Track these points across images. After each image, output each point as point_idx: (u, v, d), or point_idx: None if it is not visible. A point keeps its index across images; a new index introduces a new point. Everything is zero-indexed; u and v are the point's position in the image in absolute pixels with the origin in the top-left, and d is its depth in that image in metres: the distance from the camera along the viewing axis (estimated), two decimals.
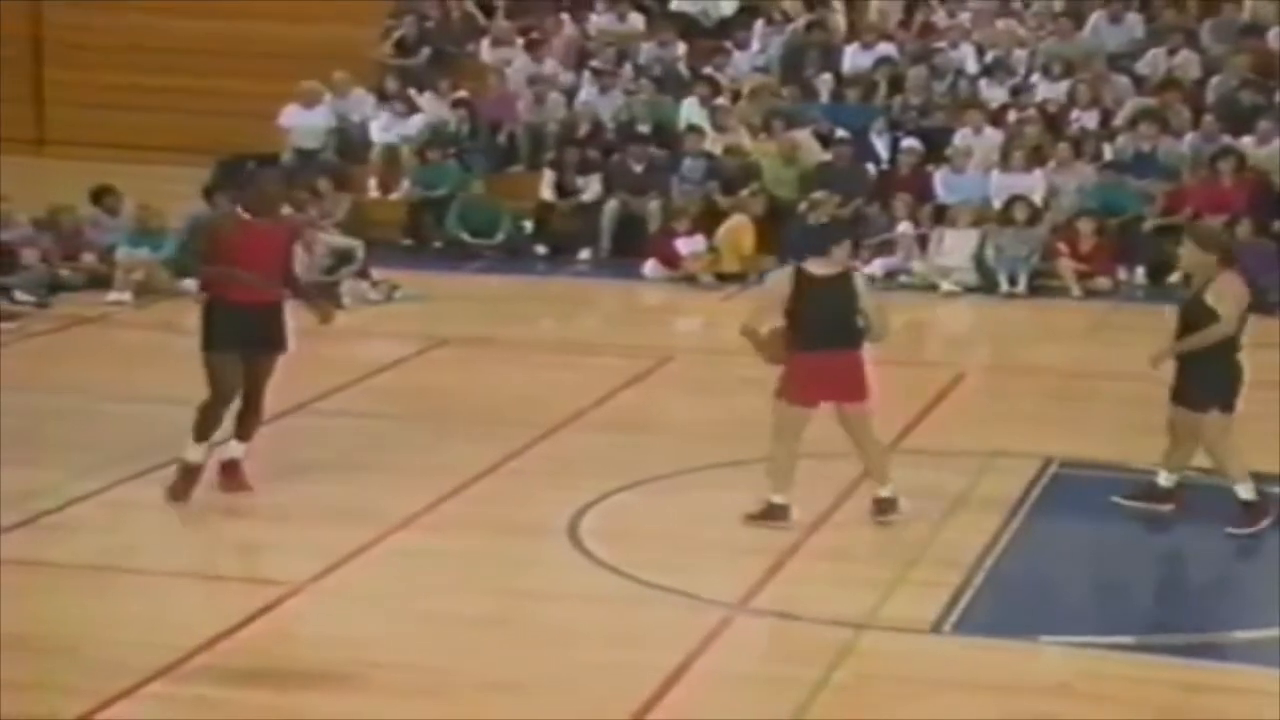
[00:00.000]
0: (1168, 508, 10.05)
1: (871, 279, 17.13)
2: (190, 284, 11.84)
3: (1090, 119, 19.00)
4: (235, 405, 10.18)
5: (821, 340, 9.57)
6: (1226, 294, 9.69)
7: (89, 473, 10.53)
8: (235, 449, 10.29)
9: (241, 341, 10.04)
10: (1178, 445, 10.02)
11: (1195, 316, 9.78)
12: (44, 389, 12.83)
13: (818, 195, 17.89)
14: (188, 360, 10.11)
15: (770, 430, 9.73)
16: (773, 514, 9.68)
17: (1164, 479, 10.09)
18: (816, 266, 9.67)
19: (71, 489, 10.29)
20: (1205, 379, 9.75)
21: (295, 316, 10.60)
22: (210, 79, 21.36)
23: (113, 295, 15.93)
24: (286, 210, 14.43)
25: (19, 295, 15.50)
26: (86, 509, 10.10)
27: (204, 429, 10.09)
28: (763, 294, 10.15)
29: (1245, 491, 9.78)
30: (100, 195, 17.24)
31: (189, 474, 10.11)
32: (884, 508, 9.85)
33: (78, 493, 10.26)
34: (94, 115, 21.89)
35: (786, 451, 9.70)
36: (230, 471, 10.27)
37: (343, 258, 16.69)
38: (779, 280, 9.87)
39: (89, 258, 16.50)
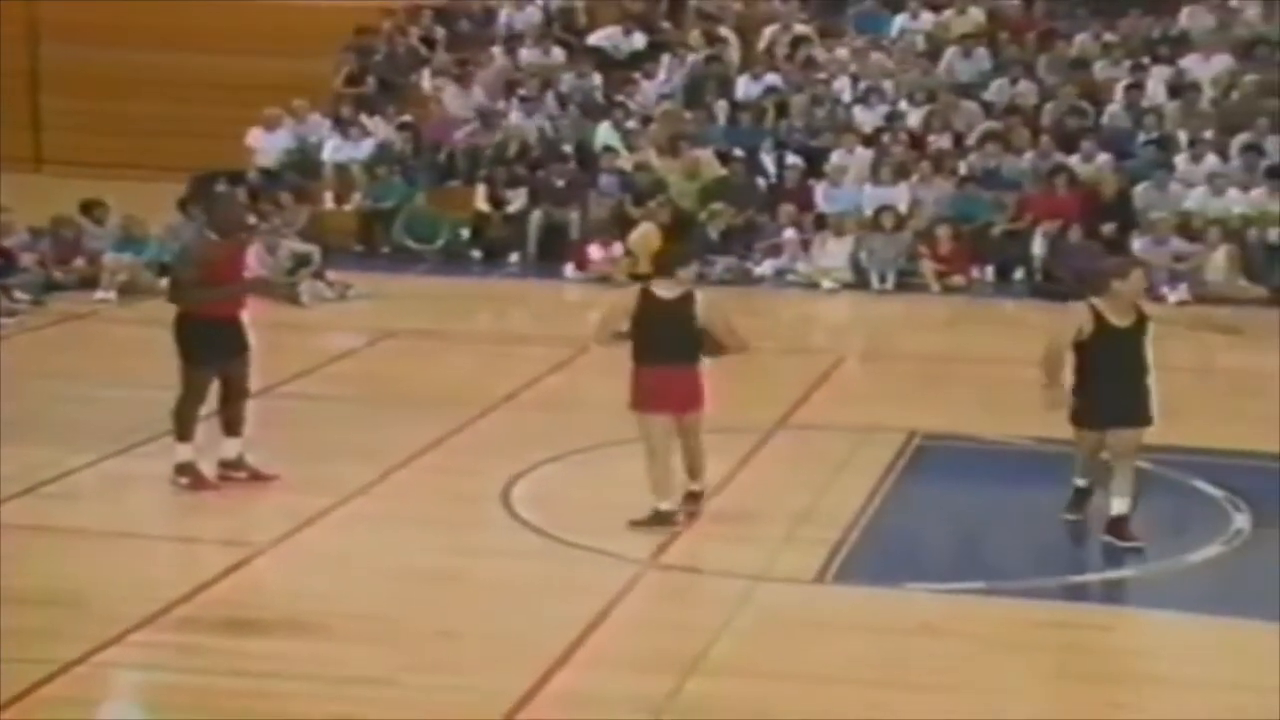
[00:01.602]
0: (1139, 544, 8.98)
1: (762, 278, 17.37)
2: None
3: (946, 140, 19.10)
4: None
5: (661, 356, 9.11)
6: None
7: (82, 449, 10.38)
8: (232, 446, 9.97)
9: (219, 355, 9.86)
10: (1108, 467, 9.16)
11: (1142, 340, 9.01)
12: (40, 376, 12.64)
13: (716, 206, 17.92)
14: (167, 352, 9.97)
15: (642, 443, 9.21)
16: (660, 519, 9.16)
17: (1119, 505, 9.06)
18: (662, 289, 9.21)
19: (67, 463, 10.14)
20: (1148, 395, 9.05)
21: (259, 313, 10.50)
22: (186, 106, 21.13)
23: (100, 294, 15.71)
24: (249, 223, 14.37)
25: (17, 294, 15.27)
26: (80, 480, 9.97)
27: (184, 430, 9.80)
28: (609, 307, 9.66)
29: (1121, 506, 9.04)
30: (89, 207, 17.00)
31: (190, 469, 9.84)
32: (696, 499, 9.42)
33: (72, 466, 10.12)
34: (85, 138, 21.63)
35: (660, 462, 9.16)
36: (235, 466, 9.95)
37: (302, 261, 16.54)
38: (625, 296, 9.46)
39: (80, 261, 16.30)
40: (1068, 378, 9.17)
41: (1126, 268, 9.34)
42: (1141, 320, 9.05)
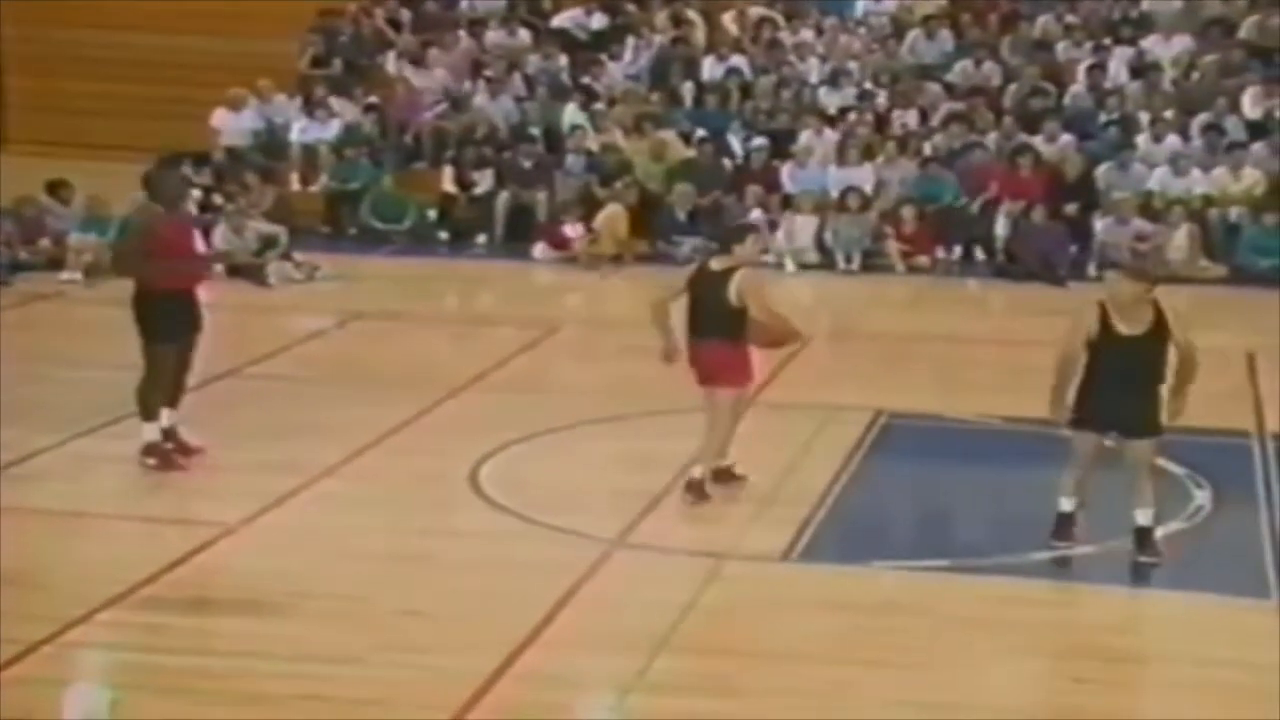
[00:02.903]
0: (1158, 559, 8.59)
1: None
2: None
3: (911, 120, 19.12)
4: None
5: (695, 329, 9.24)
6: (1183, 318, 8.45)
7: (47, 429, 10.29)
8: (166, 416, 9.87)
9: (179, 329, 9.80)
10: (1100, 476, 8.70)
11: (1154, 350, 8.41)
12: (5, 358, 12.51)
13: (681, 187, 17.89)
14: (133, 332, 9.90)
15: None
16: (727, 476, 9.37)
17: (1142, 517, 8.56)
18: (716, 262, 9.28)
19: (31, 443, 10.05)
20: (1158, 403, 8.51)
21: (227, 294, 10.45)
22: (151, 86, 20.93)
23: (65, 275, 15.58)
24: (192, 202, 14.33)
25: None
26: (45, 461, 9.88)
27: (149, 410, 9.77)
28: (669, 282, 9.63)
29: (1144, 518, 8.58)
30: (54, 187, 16.87)
31: (156, 448, 9.79)
32: (697, 487, 9.28)
33: (37, 446, 10.03)
34: (50, 118, 21.42)
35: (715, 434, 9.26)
36: (165, 436, 9.87)
37: (269, 242, 16.43)
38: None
39: (45, 242, 16.16)
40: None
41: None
42: (1159, 326, 8.38)
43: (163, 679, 6.88)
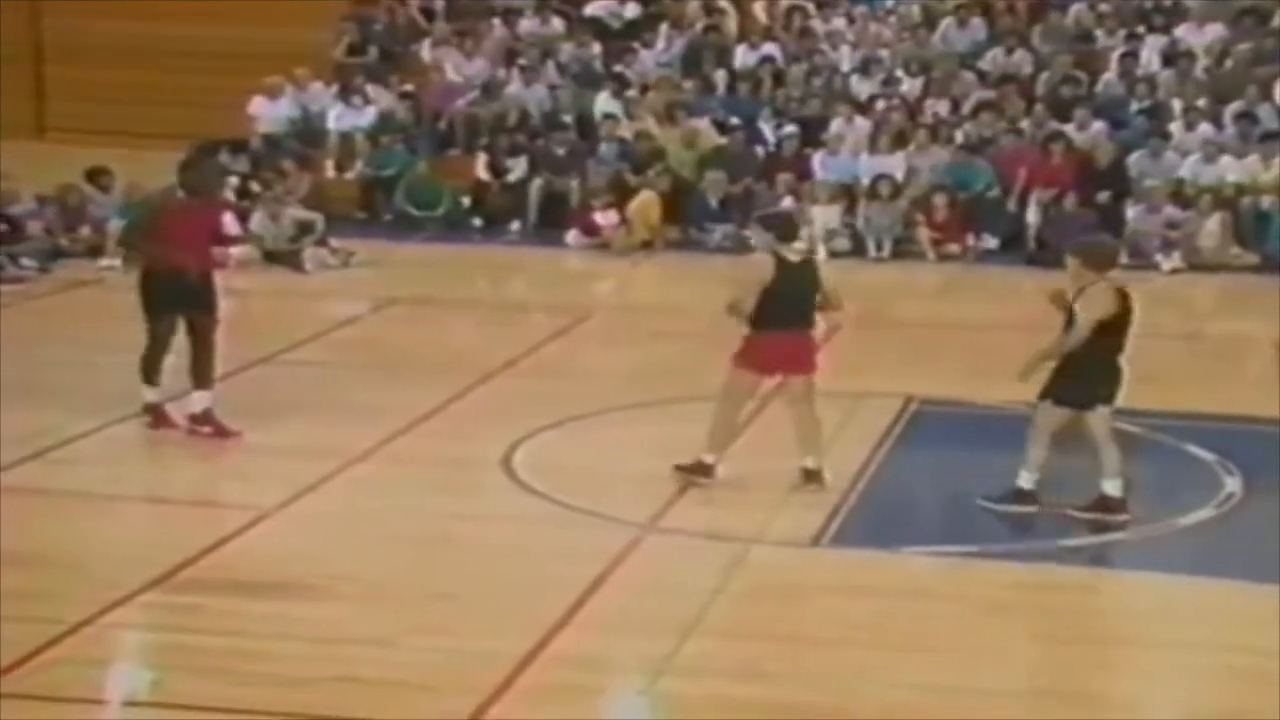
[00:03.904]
0: (1032, 509, 8.98)
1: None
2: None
3: (942, 108, 19.05)
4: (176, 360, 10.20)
5: (792, 320, 9.18)
6: (1091, 303, 8.78)
7: (86, 414, 10.37)
8: (200, 400, 10.11)
9: (175, 304, 10.05)
10: (1042, 446, 8.99)
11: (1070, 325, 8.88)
12: (45, 342, 12.63)
13: (713, 174, 17.87)
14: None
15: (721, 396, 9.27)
16: (699, 470, 9.24)
17: (1025, 480, 9.02)
18: (791, 254, 9.21)
19: (71, 428, 10.13)
20: (1091, 378, 8.82)
21: (263, 279, 10.55)
22: (188, 75, 21.04)
23: (104, 262, 15.66)
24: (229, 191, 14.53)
25: (24, 262, 15.24)
26: (85, 445, 9.96)
27: (148, 375, 10.19)
28: (747, 276, 9.39)
29: (1112, 487, 8.91)
30: (94, 175, 16.97)
31: (154, 409, 10.20)
32: (815, 477, 9.31)
33: (77, 431, 10.11)
34: (89, 107, 21.56)
35: (729, 419, 9.26)
36: (202, 420, 10.07)
37: (305, 229, 16.50)
38: (760, 267, 9.24)
39: (85, 229, 16.26)
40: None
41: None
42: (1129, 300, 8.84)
43: (200, 660, 6.93)
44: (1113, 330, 8.78)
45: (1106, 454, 8.90)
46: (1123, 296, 8.85)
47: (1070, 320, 8.83)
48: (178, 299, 10.02)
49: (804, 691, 6.80)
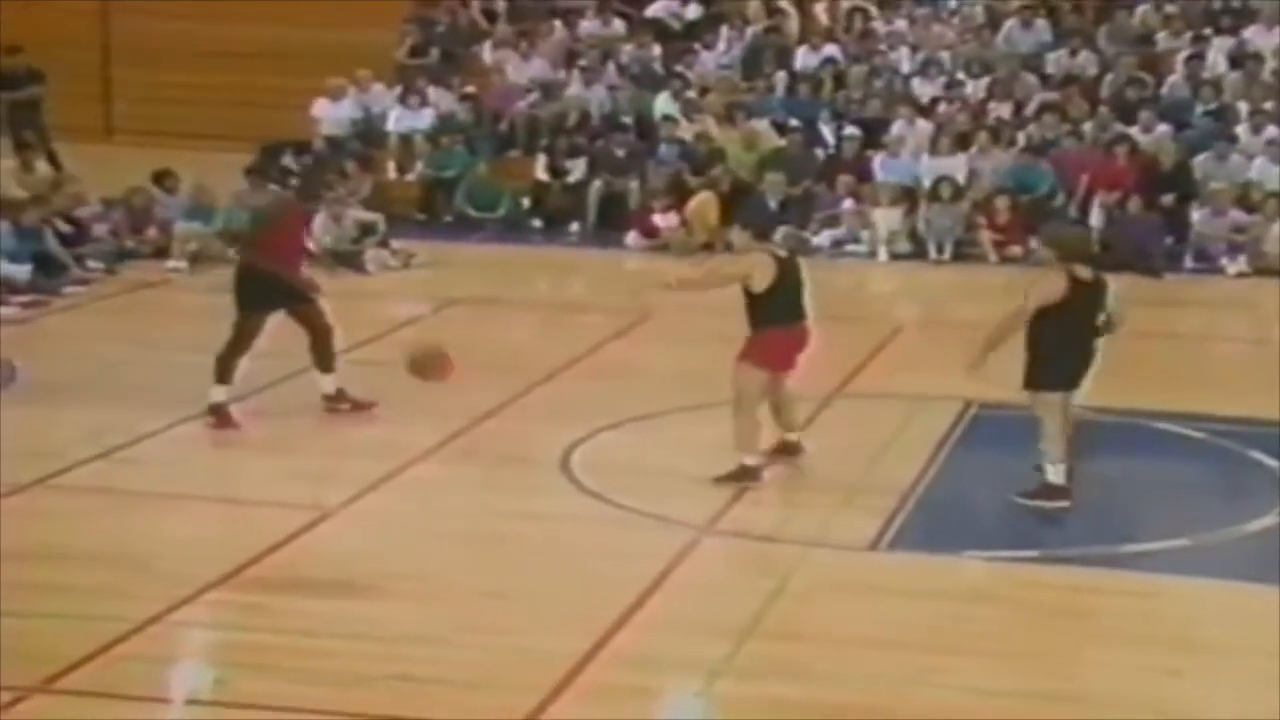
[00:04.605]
0: (1065, 503, 9.09)
1: (819, 248, 17.29)
2: None
3: (1005, 110, 18.96)
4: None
5: (799, 315, 9.45)
6: (1035, 289, 9.05)
7: (154, 413, 10.51)
8: (328, 382, 10.61)
9: (272, 301, 10.26)
10: (1057, 435, 9.10)
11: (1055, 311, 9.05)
12: (112, 342, 12.81)
13: (773, 176, 17.88)
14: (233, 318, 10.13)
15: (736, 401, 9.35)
16: (746, 474, 9.30)
17: (1054, 475, 9.13)
18: (784, 252, 9.56)
19: (140, 427, 10.28)
20: (1049, 363, 9.01)
21: (326, 281, 10.77)
22: (252, 76, 21.27)
23: (171, 263, 15.85)
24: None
25: (90, 264, 15.43)
26: (153, 444, 10.10)
27: (223, 372, 10.37)
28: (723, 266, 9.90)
29: (1055, 475, 9.09)
30: (161, 177, 17.14)
31: (219, 409, 10.35)
32: (796, 449, 9.81)
33: (145, 430, 10.26)
34: (155, 109, 21.82)
35: (753, 418, 9.36)
36: (337, 399, 10.57)
37: (366, 230, 16.62)
38: (758, 262, 9.36)
39: (152, 231, 16.45)
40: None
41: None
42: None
43: (262, 658, 7.04)
44: (1068, 315, 8.93)
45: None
46: (1080, 284, 8.97)
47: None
48: (275, 296, 10.32)
49: (857, 694, 6.82)
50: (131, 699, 6.70)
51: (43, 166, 17.69)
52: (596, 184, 18.49)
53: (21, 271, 14.44)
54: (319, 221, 16.55)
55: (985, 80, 19.37)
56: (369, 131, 19.83)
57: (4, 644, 6.90)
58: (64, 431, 10.11)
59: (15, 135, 18.53)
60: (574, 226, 18.39)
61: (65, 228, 15.49)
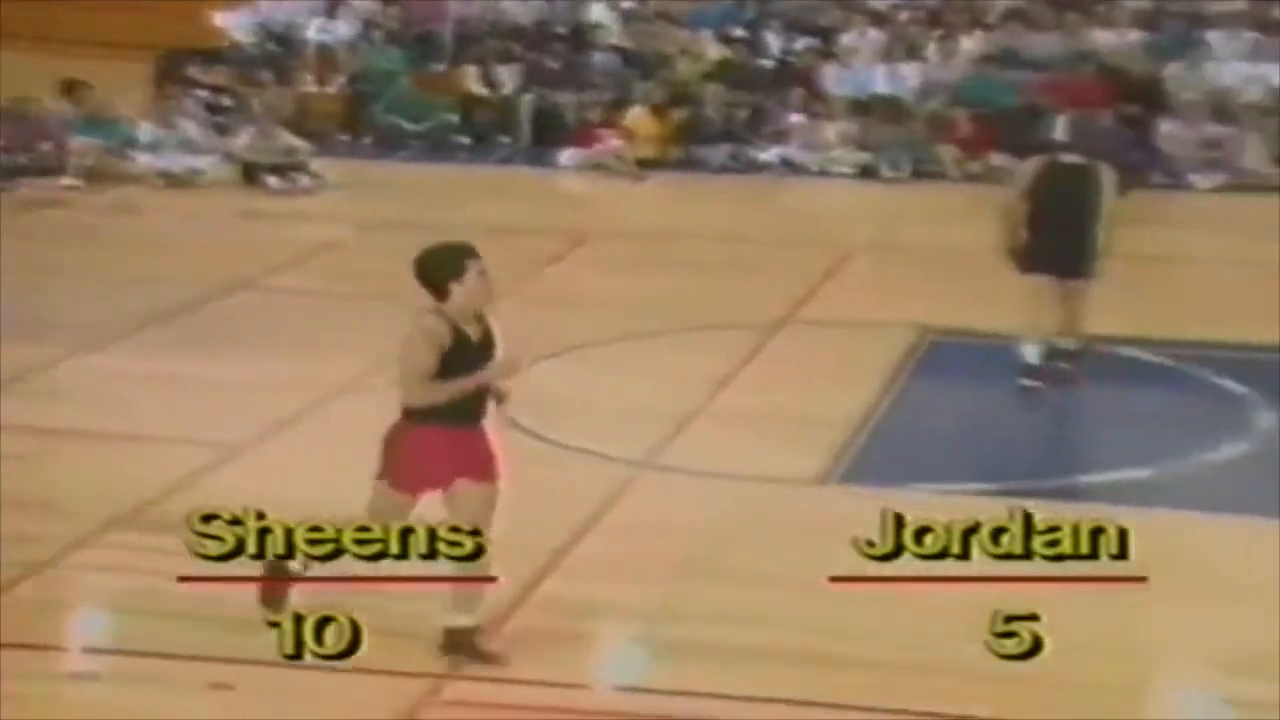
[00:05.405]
0: (1035, 383, 9.94)
1: (767, 165, 17.23)
2: None
3: (965, 19, 18.93)
4: None
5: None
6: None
7: (57, 344, 10.37)
8: None
9: None
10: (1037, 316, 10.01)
11: None
12: (9, 271, 12.61)
13: (714, 88, 17.76)
14: (142, 242, 9.99)
15: None
16: None
17: (1029, 354, 10.03)
18: None
19: (42, 359, 10.12)
20: (1031, 247, 9.97)
21: (241, 199, 10.58)
22: None
23: (66, 180, 15.62)
24: None
25: None
26: (57, 376, 9.95)
27: None
28: None
29: (1030, 355, 9.95)
30: (71, 87, 16.79)
31: None
32: None
33: (49, 362, 10.10)
34: (49, 11, 21.41)
35: None
36: None
37: (290, 154, 16.39)
38: None
39: (46, 145, 16.15)
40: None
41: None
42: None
43: (163, 603, 6.98)
44: (1050, 197, 9.64)
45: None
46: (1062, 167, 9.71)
47: None
48: None
49: (806, 636, 6.84)
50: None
51: None
52: (529, 97, 18.33)
53: None
54: (246, 135, 16.35)
55: None
56: (285, 40, 19.58)
57: None
58: None
59: None
60: (505, 142, 18.23)
61: None
